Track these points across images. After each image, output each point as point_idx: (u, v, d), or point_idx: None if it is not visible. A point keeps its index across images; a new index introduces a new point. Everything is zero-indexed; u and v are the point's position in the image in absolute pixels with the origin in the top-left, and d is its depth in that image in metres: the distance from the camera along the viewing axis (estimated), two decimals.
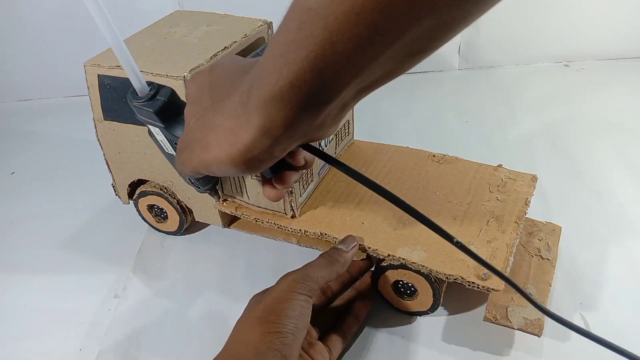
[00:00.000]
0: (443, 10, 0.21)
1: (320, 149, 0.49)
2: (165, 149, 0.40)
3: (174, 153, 0.39)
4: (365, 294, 0.47)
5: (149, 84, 0.36)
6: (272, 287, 0.40)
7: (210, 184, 0.45)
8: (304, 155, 0.33)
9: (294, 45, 0.23)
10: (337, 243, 0.44)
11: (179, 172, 0.36)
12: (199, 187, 0.45)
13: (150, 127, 0.38)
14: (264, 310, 0.38)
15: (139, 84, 0.35)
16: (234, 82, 0.30)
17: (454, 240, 0.31)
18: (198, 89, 0.33)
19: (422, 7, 0.20)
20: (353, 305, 0.46)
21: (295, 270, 0.41)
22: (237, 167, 0.29)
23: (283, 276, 0.41)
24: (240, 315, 0.40)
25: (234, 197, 0.50)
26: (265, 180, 0.36)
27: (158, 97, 0.36)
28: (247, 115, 0.27)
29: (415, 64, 0.24)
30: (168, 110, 0.36)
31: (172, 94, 0.36)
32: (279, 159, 0.29)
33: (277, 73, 0.24)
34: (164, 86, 0.36)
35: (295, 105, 0.25)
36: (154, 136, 0.39)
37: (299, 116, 0.25)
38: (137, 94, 0.36)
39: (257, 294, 0.42)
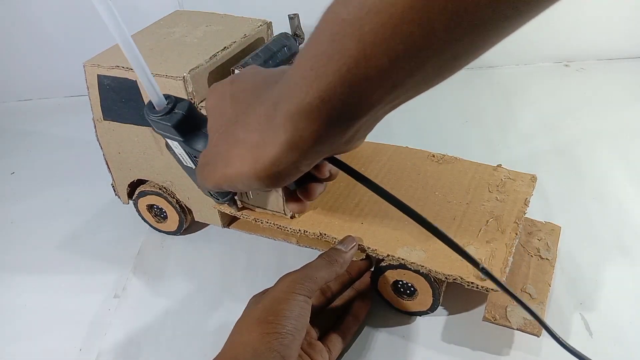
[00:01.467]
0: (485, 24, 0.20)
1: None
2: (183, 162, 0.40)
3: (193, 166, 0.39)
4: (365, 294, 0.47)
5: (167, 97, 0.35)
6: (271, 287, 0.41)
7: (230, 195, 0.45)
8: (329, 167, 0.32)
9: (325, 58, 0.22)
10: (336, 244, 0.44)
11: (199, 186, 0.36)
12: (218, 199, 0.45)
13: (168, 140, 0.38)
14: (263, 310, 0.38)
15: (156, 97, 0.34)
16: (258, 94, 0.29)
17: (480, 266, 0.31)
18: (219, 101, 0.32)
19: (463, 22, 0.19)
20: (352, 305, 0.46)
21: (295, 270, 0.41)
22: (261, 181, 0.28)
23: (282, 277, 0.41)
24: (239, 315, 0.40)
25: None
26: (289, 193, 0.35)
27: (176, 111, 0.35)
28: (274, 130, 0.26)
29: (450, 75, 0.23)
30: (186, 123, 0.35)
31: (190, 107, 0.36)
32: (304, 172, 0.28)
33: (307, 86, 0.23)
34: (182, 99, 0.36)
35: (325, 119, 0.24)
36: (172, 149, 0.39)
37: (328, 131, 0.25)
38: (154, 107, 0.35)
39: (256, 295, 0.42)
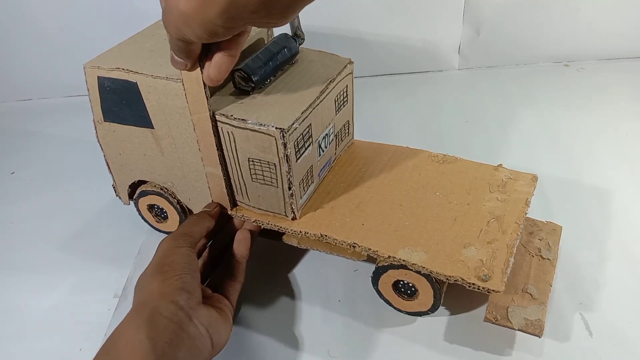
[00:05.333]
0: None
1: (321, 149, 0.49)
2: None
3: None
4: (239, 235, 0.50)
5: None
6: (154, 255, 0.43)
7: None
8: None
9: None
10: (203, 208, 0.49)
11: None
12: None
13: None
14: (155, 266, 0.41)
15: None
16: None
17: None
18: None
19: None
20: (232, 249, 0.49)
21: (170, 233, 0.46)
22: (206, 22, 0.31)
23: (160, 242, 0.44)
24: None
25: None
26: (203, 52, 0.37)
27: None
28: None
29: None
30: None
31: None
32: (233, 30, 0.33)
33: None
34: None
35: None
36: None
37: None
38: None
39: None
